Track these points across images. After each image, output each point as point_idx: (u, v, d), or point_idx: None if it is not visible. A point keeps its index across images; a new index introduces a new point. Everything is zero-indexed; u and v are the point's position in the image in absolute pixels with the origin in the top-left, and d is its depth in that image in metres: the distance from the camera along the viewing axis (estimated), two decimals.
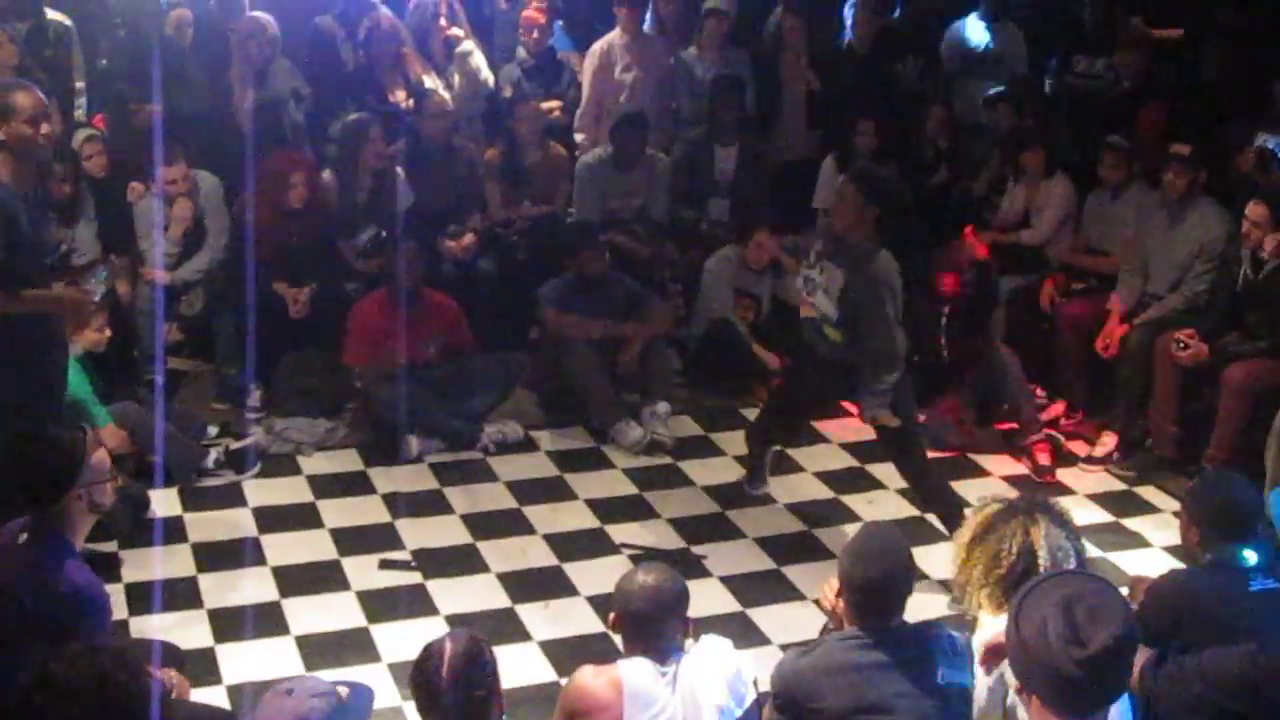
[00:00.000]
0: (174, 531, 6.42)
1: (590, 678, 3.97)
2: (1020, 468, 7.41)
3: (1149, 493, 7.19)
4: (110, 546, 6.12)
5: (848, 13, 9.63)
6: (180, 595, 5.90)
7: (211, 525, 6.54)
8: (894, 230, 6.06)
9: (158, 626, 5.53)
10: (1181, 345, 7.05)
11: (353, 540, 6.46)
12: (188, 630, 5.57)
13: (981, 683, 3.74)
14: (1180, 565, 5.37)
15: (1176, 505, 6.69)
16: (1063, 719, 2.70)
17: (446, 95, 8.79)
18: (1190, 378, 7.18)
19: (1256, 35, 8.93)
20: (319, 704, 3.29)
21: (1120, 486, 7.27)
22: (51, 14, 8.47)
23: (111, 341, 6.71)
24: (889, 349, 6.00)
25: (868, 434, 6.71)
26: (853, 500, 6.96)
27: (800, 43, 9.39)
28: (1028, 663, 2.70)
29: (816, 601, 4.59)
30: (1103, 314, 7.67)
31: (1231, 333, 7.13)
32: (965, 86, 9.64)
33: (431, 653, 3.52)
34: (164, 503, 6.59)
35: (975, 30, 9.75)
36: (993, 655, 3.59)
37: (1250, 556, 4.23)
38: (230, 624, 5.72)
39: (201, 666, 5.27)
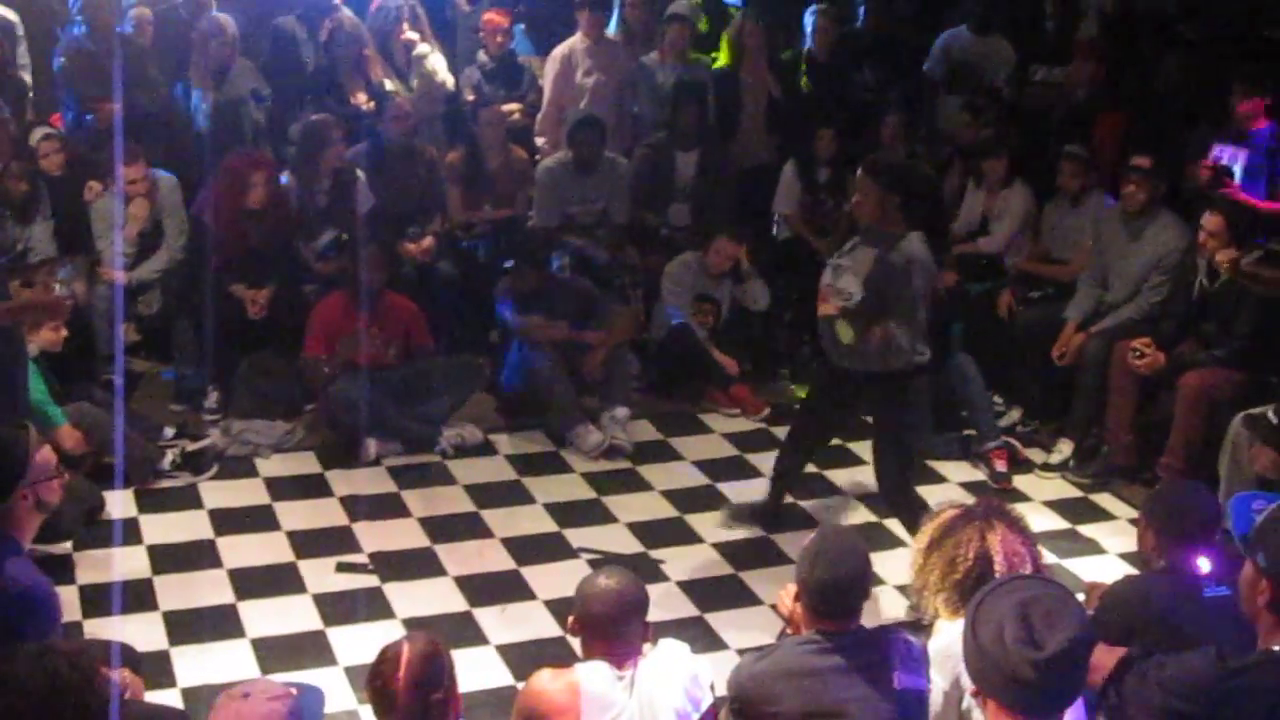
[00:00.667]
0: (129, 533, 6.38)
1: (547, 681, 3.96)
2: (977, 474, 7.44)
3: (1105, 500, 7.23)
4: (65, 548, 6.07)
5: (808, 20, 9.66)
6: (135, 597, 5.85)
7: (167, 527, 6.50)
8: (921, 214, 5.96)
9: (112, 628, 5.48)
10: (1138, 354, 7.08)
11: (310, 543, 6.44)
12: (142, 632, 5.52)
13: (937, 687, 3.76)
14: (1135, 571, 5.42)
15: (1132, 512, 6.78)
16: None
17: (407, 98, 8.78)
18: (1146, 386, 7.22)
19: (1215, 45, 8.99)
20: (276, 707, 3.26)
21: (1076, 493, 7.30)
22: None
23: (68, 341, 6.66)
24: (908, 319, 5.87)
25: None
26: (811, 506, 6.97)
27: (761, 49, 9.42)
28: (984, 666, 2.73)
29: (774, 606, 4.60)
30: (1060, 322, 7.69)
31: (1187, 341, 7.17)
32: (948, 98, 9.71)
33: (388, 656, 3.51)
34: (120, 504, 6.54)
35: (963, 41, 9.78)
36: None
37: (1204, 563, 4.27)
38: (185, 626, 5.68)
39: (156, 669, 5.23)
